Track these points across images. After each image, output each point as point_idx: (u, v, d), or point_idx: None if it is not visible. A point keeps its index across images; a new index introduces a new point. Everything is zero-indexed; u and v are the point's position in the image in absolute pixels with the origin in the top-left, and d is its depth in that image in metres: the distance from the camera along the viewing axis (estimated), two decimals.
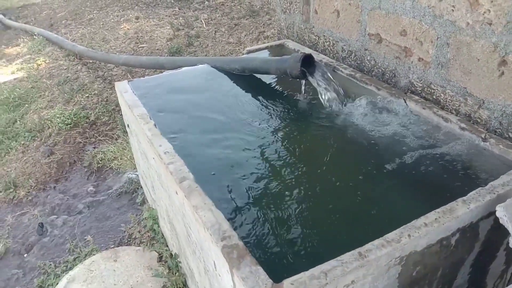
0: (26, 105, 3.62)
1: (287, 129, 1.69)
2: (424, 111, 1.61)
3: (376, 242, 0.99)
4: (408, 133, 1.54)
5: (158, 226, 2.09)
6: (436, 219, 1.06)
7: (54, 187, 2.73)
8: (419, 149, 1.45)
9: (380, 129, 1.58)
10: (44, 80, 4.02)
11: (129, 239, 2.18)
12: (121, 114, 3.15)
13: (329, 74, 1.80)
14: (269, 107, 1.84)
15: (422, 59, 1.70)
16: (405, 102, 1.67)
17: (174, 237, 1.75)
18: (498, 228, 1.11)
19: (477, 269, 1.30)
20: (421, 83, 1.74)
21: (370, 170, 1.40)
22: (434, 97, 1.69)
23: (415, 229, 1.03)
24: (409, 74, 1.79)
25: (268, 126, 1.69)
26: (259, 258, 1.03)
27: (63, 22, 5.74)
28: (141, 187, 2.43)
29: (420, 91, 1.75)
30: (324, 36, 2.29)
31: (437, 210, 1.09)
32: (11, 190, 2.71)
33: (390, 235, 1.01)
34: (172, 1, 5.50)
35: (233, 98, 1.94)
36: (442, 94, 1.65)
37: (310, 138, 1.64)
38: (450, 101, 1.62)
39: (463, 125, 1.49)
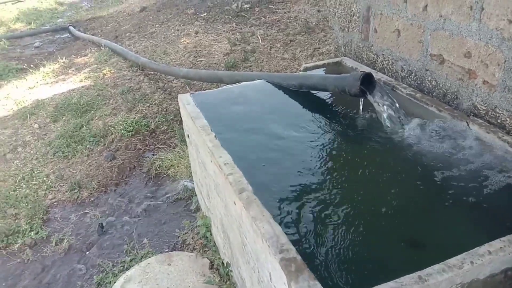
0: (92, 111, 3.86)
1: (344, 147, 1.70)
2: (488, 136, 1.56)
3: (437, 266, 0.99)
4: (470, 157, 1.50)
5: (211, 234, 2.16)
6: (501, 247, 1.03)
7: (115, 190, 2.89)
8: (482, 174, 1.41)
9: (441, 152, 1.56)
10: (109, 89, 4.28)
11: (182, 245, 2.27)
12: (179, 124, 3.29)
13: (388, 94, 1.80)
14: (327, 124, 1.86)
15: (487, 82, 1.66)
16: (468, 125, 1.64)
17: (227, 246, 1.80)
18: None
19: None
20: (485, 107, 1.69)
21: (431, 193, 1.38)
22: (499, 121, 1.64)
23: (478, 256, 1.01)
24: (472, 96, 1.75)
25: (326, 143, 1.72)
26: (316, 273, 1.05)
27: (127, 34, 6.08)
28: (196, 194, 2.52)
29: (483, 115, 1.71)
30: (383, 55, 2.28)
31: (503, 238, 1.06)
32: (76, 190, 2.90)
33: (451, 261, 1.00)
34: (230, 17, 5.67)
35: (291, 113, 1.98)
36: (508, 119, 1.60)
37: (367, 157, 1.64)
38: None
39: None
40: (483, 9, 1.60)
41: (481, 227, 1.24)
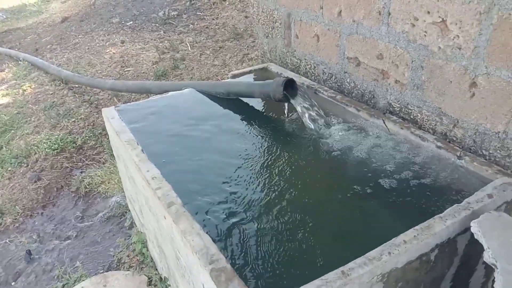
0: (12, 131, 3.61)
1: (271, 151, 1.73)
2: (402, 131, 1.68)
3: (358, 260, 1.04)
4: (386, 153, 1.60)
5: (147, 250, 2.10)
6: (415, 236, 1.11)
7: (42, 213, 2.72)
8: (397, 169, 1.51)
9: (359, 150, 1.64)
10: (30, 105, 4.03)
11: (118, 264, 2.18)
12: (108, 138, 3.18)
13: (310, 97, 1.87)
14: (254, 130, 1.89)
15: (399, 81, 1.78)
16: (384, 122, 1.74)
17: (163, 260, 1.77)
18: (475, 243, 1.16)
19: (458, 283, 1.34)
20: (398, 104, 1.82)
21: (350, 191, 1.45)
22: (412, 117, 1.77)
23: (395, 247, 1.08)
24: (387, 95, 1.87)
25: (253, 148, 1.74)
26: (246, 279, 1.06)
27: (48, 46, 5.76)
28: (129, 210, 2.44)
29: (398, 112, 1.83)
30: (305, 59, 2.37)
31: (416, 227, 1.14)
32: None
33: (371, 253, 1.06)
34: (157, 25, 5.58)
35: (219, 121, 1.99)
36: (419, 114, 1.73)
37: (293, 159, 1.69)
38: (426, 120, 1.70)
39: (439, 143, 1.56)
40: (390, 14, 1.72)
41: (396, 218, 1.33)
